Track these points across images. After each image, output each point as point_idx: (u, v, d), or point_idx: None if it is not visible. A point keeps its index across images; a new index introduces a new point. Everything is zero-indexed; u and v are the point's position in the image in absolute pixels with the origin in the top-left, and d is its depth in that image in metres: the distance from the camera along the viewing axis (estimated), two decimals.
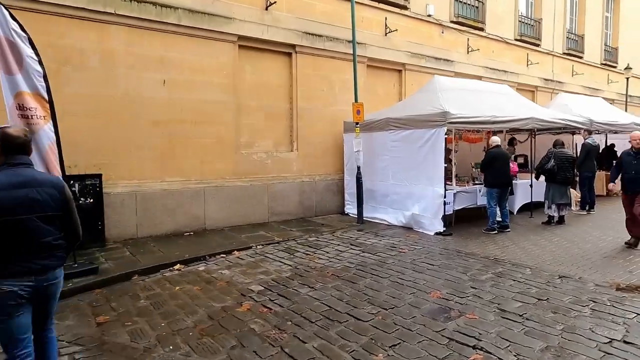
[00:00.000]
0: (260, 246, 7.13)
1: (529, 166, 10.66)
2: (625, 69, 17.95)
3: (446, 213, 7.93)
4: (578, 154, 10.55)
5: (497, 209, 7.94)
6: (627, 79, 18.22)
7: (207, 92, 8.29)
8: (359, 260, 6.16)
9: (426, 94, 9.10)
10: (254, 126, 9.16)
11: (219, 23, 8.29)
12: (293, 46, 9.44)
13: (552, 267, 5.72)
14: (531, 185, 9.58)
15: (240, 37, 8.64)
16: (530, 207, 9.69)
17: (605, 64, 18.99)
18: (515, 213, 9.96)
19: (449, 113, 7.69)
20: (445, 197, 7.83)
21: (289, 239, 7.60)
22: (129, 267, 5.81)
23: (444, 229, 7.84)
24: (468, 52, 13.09)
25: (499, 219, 8.05)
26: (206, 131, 8.31)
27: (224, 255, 6.61)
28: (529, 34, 15.24)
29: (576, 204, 10.47)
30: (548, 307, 4.35)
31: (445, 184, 7.89)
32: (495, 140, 8.01)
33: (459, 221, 8.60)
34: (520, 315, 4.16)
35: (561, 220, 8.82)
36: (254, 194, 8.96)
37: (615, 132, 12.48)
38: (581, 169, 10.04)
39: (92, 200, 6.85)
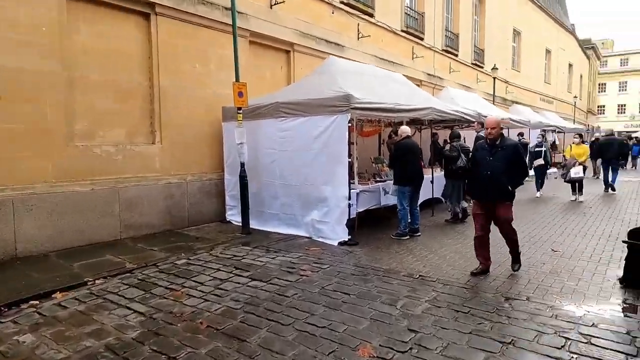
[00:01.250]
0: (101, 280, 4.87)
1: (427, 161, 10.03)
2: (492, 69, 19.12)
3: (351, 217, 6.58)
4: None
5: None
6: (494, 78, 19.46)
7: (17, 56, 5.62)
8: (248, 295, 4.37)
9: (322, 76, 7.65)
10: (95, 108, 6.66)
11: None
12: (151, 4, 7.15)
13: (490, 283, 4.67)
14: (432, 182, 8.84)
15: None
16: (432, 205, 8.96)
17: (474, 64, 20.04)
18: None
19: (352, 97, 6.32)
20: (349, 198, 6.47)
21: (147, 265, 5.44)
22: None
23: (349, 237, 6.47)
24: (359, 38, 12.10)
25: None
26: (13, 112, 5.63)
27: (36, 303, 4.23)
28: (414, 27, 14.98)
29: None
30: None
31: (349, 182, 6.52)
32: (406, 130, 6.90)
33: (361, 225, 7.35)
34: None
35: (465, 215, 8.20)
36: (97, 202, 6.50)
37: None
38: None
39: None
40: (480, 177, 4.81)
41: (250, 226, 7.35)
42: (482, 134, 10.11)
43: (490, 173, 4.70)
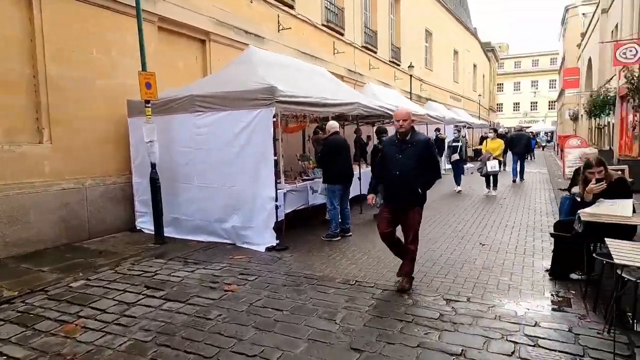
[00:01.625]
0: None
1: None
2: (409, 67, 19.73)
3: (278, 219, 6.08)
4: None
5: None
6: (411, 76, 20.11)
7: None
8: (162, 322, 3.67)
9: (242, 67, 7.02)
10: None
11: None
12: None
13: (428, 285, 4.46)
14: (359, 178, 8.64)
15: None
16: (360, 201, 8.76)
17: (392, 62, 20.54)
18: None
19: (277, 89, 5.81)
20: (276, 199, 5.96)
21: (32, 291, 4.45)
22: None
23: (277, 241, 5.97)
24: (279, 29, 11.57)
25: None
26: None
27: None
28: (334, 22, 14.82)
29: None
30: None
31: (276, 182, 6.01)
32: (334, 125, 6.54)
33: (289, 227, 6.88)
34: None
35: None
36: None
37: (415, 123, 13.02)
38: None
39: None
40: (389, 177, 4.22)
41: (165, 235, 6.52)
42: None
43: (399, 173, 4.12)
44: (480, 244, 6.05)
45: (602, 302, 3.73)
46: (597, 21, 22.24)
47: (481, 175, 11.23)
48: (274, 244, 5.93)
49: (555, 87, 60.93)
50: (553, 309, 3.76)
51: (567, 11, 41.15)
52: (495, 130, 11.91)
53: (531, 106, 65.22)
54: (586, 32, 28.96)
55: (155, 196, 6.40)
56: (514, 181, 13.53)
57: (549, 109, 63.03)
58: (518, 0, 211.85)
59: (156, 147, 6.36)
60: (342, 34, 15.28)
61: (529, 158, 21.95)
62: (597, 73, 22.24)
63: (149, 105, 6.31)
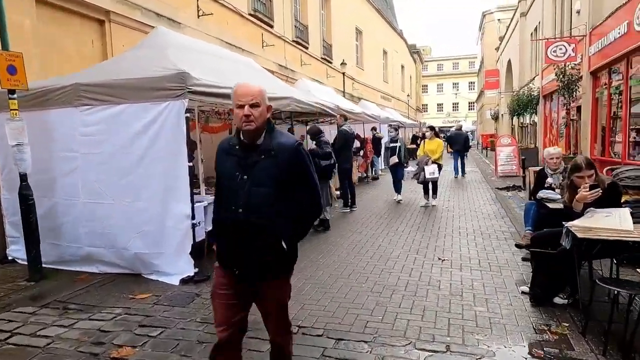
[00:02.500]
0: None
1: None
2: (341, 64, 19.03)
3: (197, 240, 4.81)
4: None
5: None
6: (344, 74, 19.43)
7: None
8: None
9: (147, 51, 5.61)
10: None
11: None
12: None
13: (393, 324, 3.47)
14: None
15: None
16: None
17: (324, 59, 19.71)
18: None
19: (190, 76, 4.54)
20: (193, 217, 4.68)
21: None
22: None
23: (196, 270, 4.68)
24: (199, 15, 10.13)
25: None
26: None
27: None
28: (262, 12, 13.57)
29: (335, 200, 9.24)
30: None
31: (192, 194, 4.73)
32: None
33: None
34: None
35: (327, 224, 7.14)
36: None
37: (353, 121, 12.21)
38: (340, 160, 8.67)
39: None
40: (225, 220, 2.18)
41: (47, 266, 4.95)
42: (345, 127, 9.23)
43: (243, 211, 2.09)
44: (439, 259, 5.23)
45: (606, 339, 2.98)
46: (517, 24, 23.23)
47: (418, 182, 9.27)
48: (192, 274, 4.64)
49: (474, 89, 64.61)
50: (554, 357, 2.93)
51: (484, 17, 43.50)
52: (432, 128, 9.90)
53: (453, 107, 68.61)
54: (504, 35, 30.47)
55: (27, 217, 4.79)
56: (456, 177, 14.49)
57: (469, 109, 66.74)
58: (437, 4, 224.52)
59: (27, 153, 4.76)
60: (271, 26, 14.08)
61: (466, 155, 22.58)
62: (518, 74, 23.24)
63: (15, 96, 4.70)
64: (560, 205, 4.22)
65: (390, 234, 6.64)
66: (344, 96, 19.17)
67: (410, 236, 6.50)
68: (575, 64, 10.83)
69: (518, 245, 5.27)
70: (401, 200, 9.77)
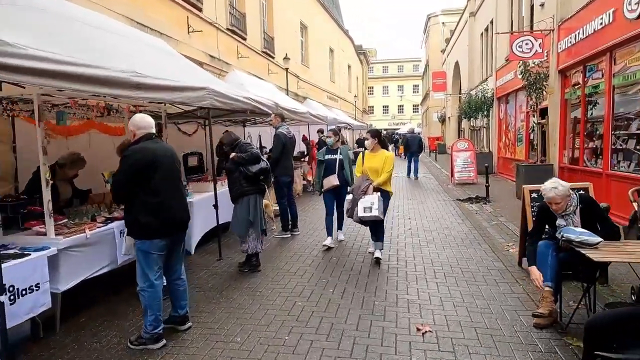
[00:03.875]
0: None
1: (211, 171, 6.79)
2: (284, 59, 17.20)
3: (38, 312, 2.76)
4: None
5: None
6: (287, 70, 17.59)
7: None
8: None
9: None
10: None
11: None
12: None
13: None
14: (216, 206, 5.61)
15: None
16: (219, 240, 5.78)
17: (265, 52, 17.73)
18: (193, 253, 5.83)
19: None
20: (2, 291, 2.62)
21: None
22: None
23: None
24: None
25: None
26: None
27: None
28: None
29: (272, 222, 7.35)
30: None
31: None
32: (142, 122, 3.32)
33: (73, 311, 3.61)
34: None
35: (256, 261, 5.26)
36: None
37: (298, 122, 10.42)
38: (276, 171, 6.80)
39: None
40: None
41: None
42: (283, 129, 7.27)
43: None
44: (417, 329, 3.52)
45: None
46: (465, 24, 22.61)
47: (348, 216, 5.58)
48: None
49: (418, 92, 65.35)
50: None
51: (429, 19, 43.56)
52: (376, 134, 5.63)
53: (398, 109, 69.05)
54: (451, 37, 30.11)
55: None
56: (408, 176, 15.42)
57: (414, 112, 67.45)
58: (381, 6, 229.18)
59: None
60: (199, 9, 11.93)
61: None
62: (467, 75, 22.60)
63: None
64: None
65: (342, 277, 4.89)
66: (287, 94, 17.33)
67: (372, 276, 4.79)
68: (541, 61, 9.74)
69: (537, 325, 3.49)
70: (342, 241, 6.43)
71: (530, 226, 4.38)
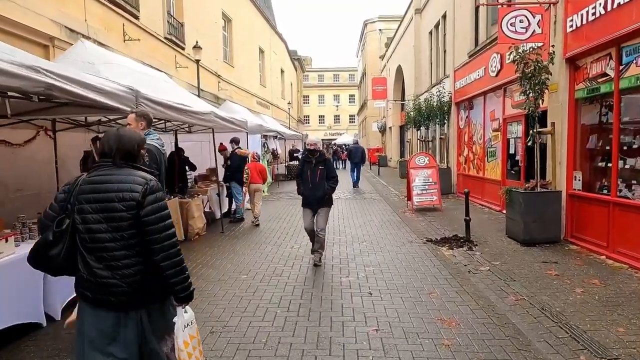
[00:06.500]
0: None
1: None
2: (195, 47, 13.40)
3: None
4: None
5: None
6: (198, 62, 13.80)
7: None
8: None
9: None
10: None
11: None
12: None
13: None
14: None
15: None
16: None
17: (170, 40, 13.78)
18: None
19: None
20: None
21: None
22: None
23: None
24: None
25: None
26: None
27: None
28: None
29: None
30: None
31: None
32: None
33: None
34: None
35: None
36: None
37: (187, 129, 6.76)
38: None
39: None
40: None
41: None
42: (153, 139, 3.91)
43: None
44: None
45: None
46: (410, 23, 20.24)
47: None
48: None
49: (354, 102, 63.68)
50: None
51: (365, 26, 41.64)
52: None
53: (334, 119, 66.96)
54: (392, 40, 27.94)
55: None
56: (355, 187, 16.00)
57: (350, 122, 65.70)
58: (315, 14, 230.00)
59: None
60: None
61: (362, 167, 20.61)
62: (413, 79, 20.15)
63: None
64: None
65: None
66: (199, 95, 13.48)
67: None
68: (537, 46, 7.00)
69: None
70: None
71: None
